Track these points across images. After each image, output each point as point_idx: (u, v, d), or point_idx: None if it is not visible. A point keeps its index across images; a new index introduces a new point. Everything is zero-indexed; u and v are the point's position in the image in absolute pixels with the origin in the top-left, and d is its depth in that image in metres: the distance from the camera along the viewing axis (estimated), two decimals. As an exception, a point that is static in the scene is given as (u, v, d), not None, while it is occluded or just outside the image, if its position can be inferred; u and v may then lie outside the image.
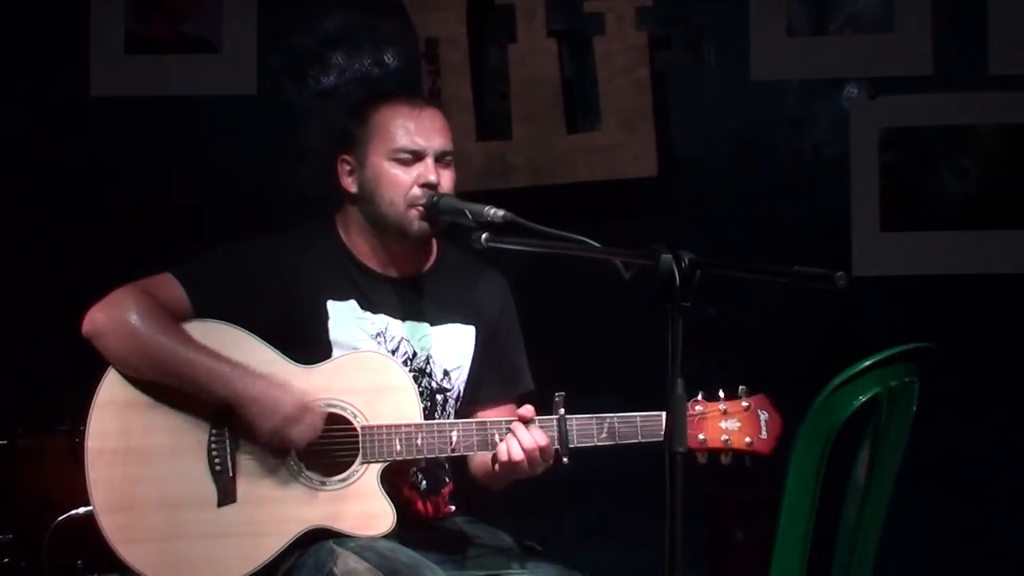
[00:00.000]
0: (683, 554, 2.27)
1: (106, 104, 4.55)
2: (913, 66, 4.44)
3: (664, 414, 2.72)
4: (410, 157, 2.86)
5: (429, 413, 2.90)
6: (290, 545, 2.74)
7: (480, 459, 2.92)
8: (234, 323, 2.81)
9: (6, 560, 3.75)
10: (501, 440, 2.76)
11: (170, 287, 2.81)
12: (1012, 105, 4.43)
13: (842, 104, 4.49)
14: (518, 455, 2.73)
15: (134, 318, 2.74)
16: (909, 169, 4.48)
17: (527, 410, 2.77)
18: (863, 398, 2.79)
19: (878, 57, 4.46)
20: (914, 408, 2.84)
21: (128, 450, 2.75)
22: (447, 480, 2.98)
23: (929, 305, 4.45)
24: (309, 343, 2.83)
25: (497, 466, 2.78)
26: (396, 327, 2.91)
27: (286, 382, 2.75)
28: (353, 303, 2.89)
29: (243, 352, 2.78)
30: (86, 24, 4.54)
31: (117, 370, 2.77)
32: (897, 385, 2.81)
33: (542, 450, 2.74)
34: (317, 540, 2.73)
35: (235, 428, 2.76)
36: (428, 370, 2.93)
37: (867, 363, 2.80)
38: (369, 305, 2.90)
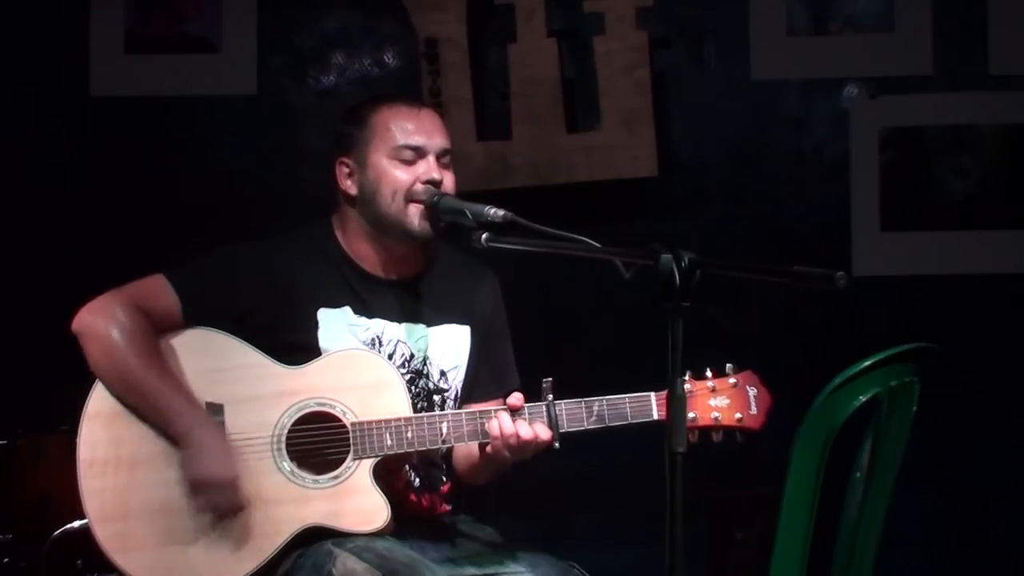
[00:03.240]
0: (683, 554, 2.27)
1: (106, 104, 4.55)
2: (913, 66, 4.44)
3: (653, 395, 2.75)
4: (412, 155, 2.86)
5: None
6: (286, 545, 2.74)
7: (463, 452, 2.92)
8: (225, 328, 2.81)
9: (6, 560, 3.75)
10: None
11: (162, 291, 2.82)
12: (1012, 105, 4.43)
13: (842, 104, 4.49)
14: (509, 428, 2.73)
15: (116, 334, 2.75)
16: (909, 169, 4.48)
17: (516, 398, 2.78)
18: (863, 398, 2.79)
19: (878, 57, 4.46)
20: (914, 408, 2.84)
21: (119, 459, 2.75)
22: (444, 479, 2.98)
23: (929, 305, 4.44)
24: (301, 350, 2.83)
25: (489, 448, 2.77)
26: (393, 330, 2.91)
27: (237, 455, 2.74)
28: (347, 309, 2.88)
29: (232, 357, 2.79)
30: (86, 24, 4.54)
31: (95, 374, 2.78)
32: (897, 385, 2.80)
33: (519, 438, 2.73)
34: (313, 540, 2.73)
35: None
36: (425, 371, 2.93)
37: (867, 363, 2.79)
38: (365, 310, 2.89)
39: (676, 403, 2.31)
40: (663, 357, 2.29)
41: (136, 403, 2.75)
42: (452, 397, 2.97)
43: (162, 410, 2.74)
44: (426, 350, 2.94)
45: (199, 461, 2.72)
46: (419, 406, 2.88)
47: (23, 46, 4.54)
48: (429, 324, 2.95)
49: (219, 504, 2.73)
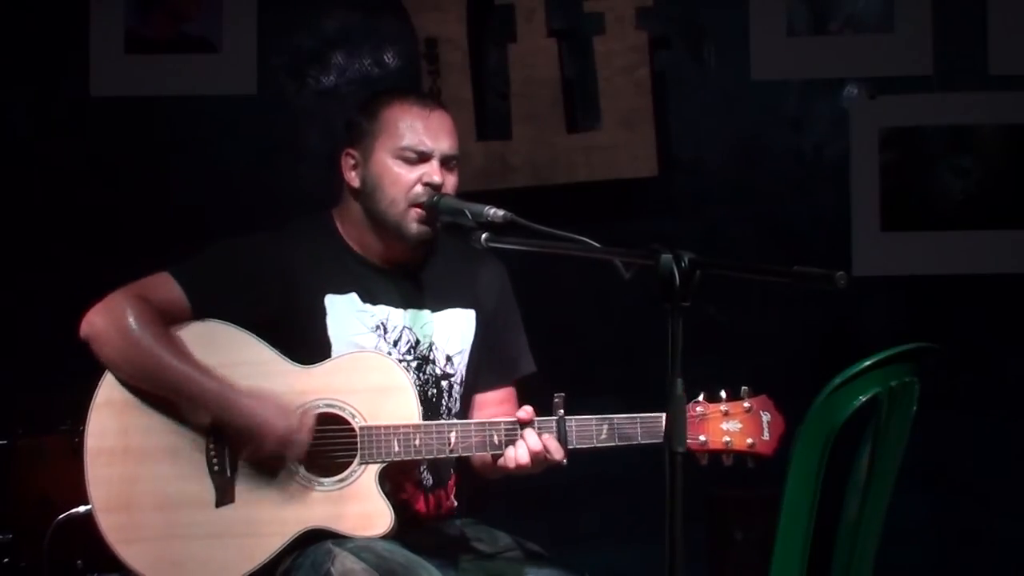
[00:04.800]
0: (683, 554, 2.27)
1: (106, 104, 4.55)
2: (913, 66, 4.44)
3: (665, 415, 2.75)
4: (416, 156, 2.87)
5: (436, 399, 2.92)
6: (288, 546, 2.74)
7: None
8: (233, 320, 2.81)
9: (6, 560, 3.75)
10: (499, 440, 2.77)
11: (168, 287, 2.81)
12: (1012, 105, 4.43)
13: (842, 104, 4.49)
14: (524, 459, 2.74)
15: (131, 327, 2.73)
16: (909, 169, 4.48)
17: (526, 412, 2.78)
18: (863, 398, 2.79)
19: (878, 57, 4.46)
20: (914, 408, 2.84)
21: (127, 450, 2.75)
22: (452, 472, 2.98)
23: (929, 305, 4.44)
24: (309, 338, 2.83)
25: (500, 461, 2.78)
26: (397, 316, 2.91)
27: (271, 393, 2.74)
28: (353, 296, 2.89)
29: (241, 352, 2.79)
30: (86, 24, 4.54)
31: (112, 374, 2.77)
32: (897, 385, 2.80)
33: (547, 453, 2.75)
34: (315, 541, 2.73)
35: (228, 440, 2.76)
36: (431, 357, 2.94)
37: (867, 363, 2.79)
38: (369, 297, 2.90)
39: (675, 403, 2.31)
40: (663, 357, 2.28)
41: (161, 391, 2.74)
42: (458, 381, 2.97)
43: (190, 393, 2.73)
44: (432, 335, 2.94)
45: (255, 426, 2.70)
46: (428, 392, 2.89)
47: (23, 46, 4.54)
48: (434, 309, 2.96)
49: (295, 453, 2.73)
